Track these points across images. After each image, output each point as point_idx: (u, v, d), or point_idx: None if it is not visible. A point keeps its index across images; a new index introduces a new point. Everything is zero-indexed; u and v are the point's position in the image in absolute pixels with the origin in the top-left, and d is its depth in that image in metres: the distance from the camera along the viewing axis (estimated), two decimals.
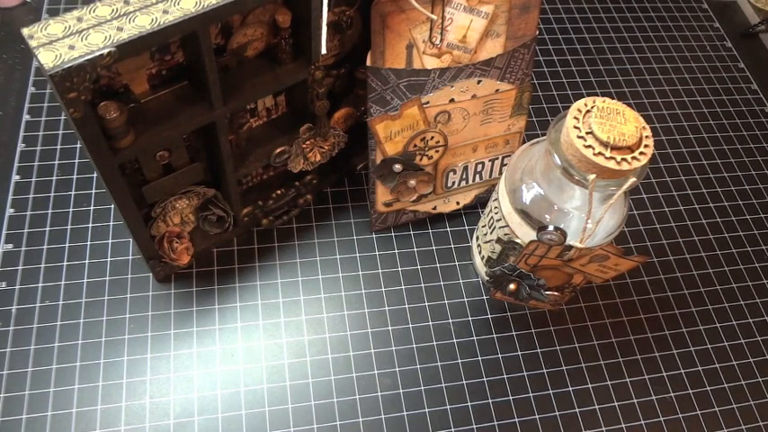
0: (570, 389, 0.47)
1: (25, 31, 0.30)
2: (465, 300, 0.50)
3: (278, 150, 0.45)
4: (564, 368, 0.48)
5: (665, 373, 0.49)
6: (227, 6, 0.33)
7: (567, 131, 0.34)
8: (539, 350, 0.48)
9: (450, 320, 0.49)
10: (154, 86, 0.38)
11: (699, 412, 0.47)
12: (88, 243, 0.49)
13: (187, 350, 0.45)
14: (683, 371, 0.49)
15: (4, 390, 0.42)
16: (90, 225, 0.49)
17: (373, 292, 0.49)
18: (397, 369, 0.46)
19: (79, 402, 0.42)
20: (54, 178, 0.51)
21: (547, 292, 0.43)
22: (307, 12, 0.37)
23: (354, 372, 0.46)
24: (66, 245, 0.48)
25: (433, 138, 0.47)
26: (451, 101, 0.46)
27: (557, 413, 0.46)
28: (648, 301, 0.52)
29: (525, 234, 0.40)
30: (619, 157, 0.33)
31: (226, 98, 0.38)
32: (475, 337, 0.48)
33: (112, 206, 0.50)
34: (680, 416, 0.47)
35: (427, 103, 0.45)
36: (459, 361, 0.47)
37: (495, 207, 0.43)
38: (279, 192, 0.50)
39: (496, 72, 0.46)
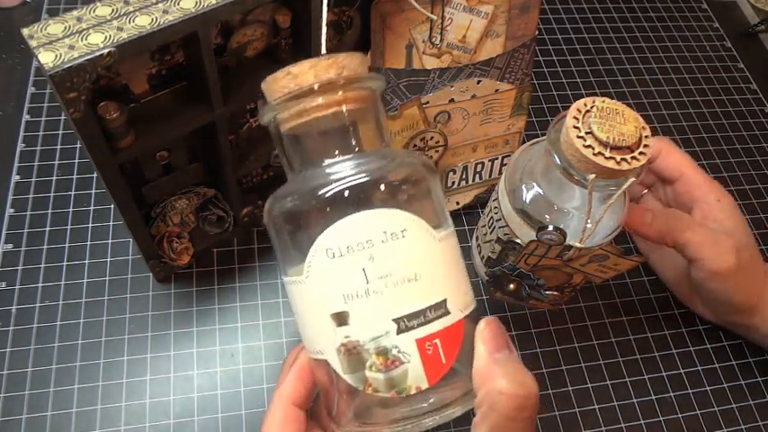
0: (570, 388, 0.47)
1: (25, 31, 0.30)
2: None
3: (278, 150, 0.46)
4: (564, 368, 0.48)
5: (664, 373, 0.49)
6: (227, 6, 0.33)
7: (567, 131, 0.34)
8: (538, 350, 0.48)
9: None
10: (154, 86, 0.38)
11: (698, 412, 0.47)
12: (88, 243, 0.49)
13: (187, 350, 0.45)
14: (682, 371, 0.49)
15: (4, 390, 0.42)
16: (90, 225, 0.49)
17: None
18: None
19: (79, 402, 0.42)
20: (54, 178, 0.51)
21: (547, 292, 0.43)
22: (307, 12, 0.37)
23: None
24: (66, 245, 0.48)
25: (432, 138, 0.47)
26: (451, 101, 0.46)
27: (556, 413, 0.46)
28: (648, 300, 0.52)
29: (525, 234, 0.40)
30: (618, 157, 0.33)
31: (226, 98, 0.38)
32: None
33: (112, 206, 0.50)
34: (679, 416, 0.47)
35: (427, 103, 0.45)
36: None
37: (495, 207, 0.43)
38: None
39: (496, 72, 0.46)
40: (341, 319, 0.27)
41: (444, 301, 0.27)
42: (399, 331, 0.26)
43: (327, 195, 0.27)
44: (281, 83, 0.28)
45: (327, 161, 0.28)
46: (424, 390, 0.27)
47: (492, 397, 0.26)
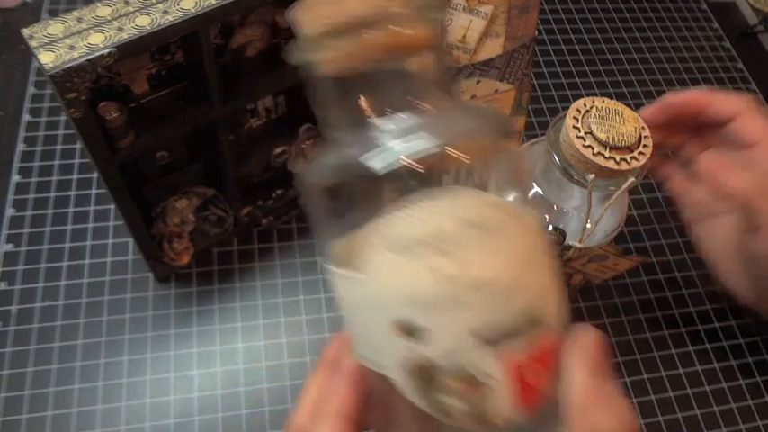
0: None
1: (25, 32, 0.30)
2: None
3: (278, 150, 0.46)
4: None
5: (663, 373, 0.49)
6: (227, 6, 0.33)
7: (567, 131, 0.34)
8: None
9: None
10: (154, 86, 0.38)
11: (698, 412, 0.47)
12: (88, 243, 0.49)
13: (187, 350, 0.45)
14: (681, 370, 0.49)
15: (5, 390, 0.42)
16: (90, 225, 0.49)
17: None
18: None
19: (80, 402, 0.42)
20: (54, 178, 0.51)
21: None
22: None
23: None
24: (67, 245, 0.48)
25: None
26: None
27: None
28: (647, 300, 0.52)
29: None
30: (618, 157, 0.33)
31: (226, 98, 0.38)
32: None
33: (112, 206, 0.50)
34: (679, 415, 0.47)
35: None
36: None
37: None
38: (279, 192, 0.50)
39: (496, 72, 0.46)
40: (406, 329, 0.20)
41: (542, 310, 0.21)
42: (481, 347, 0.20)
43: (384, 167, 0.19)
44: (322, 11, 0.20)
45: (383, 119, 0.21)
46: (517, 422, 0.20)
47: None
